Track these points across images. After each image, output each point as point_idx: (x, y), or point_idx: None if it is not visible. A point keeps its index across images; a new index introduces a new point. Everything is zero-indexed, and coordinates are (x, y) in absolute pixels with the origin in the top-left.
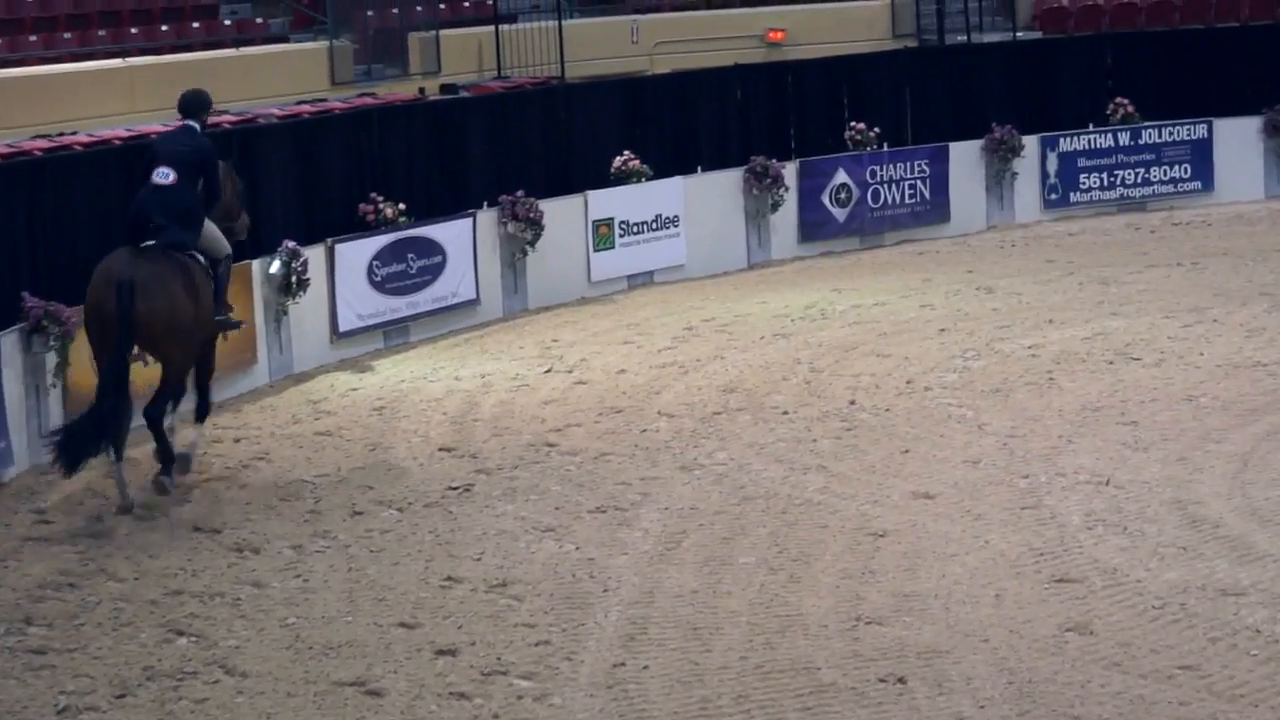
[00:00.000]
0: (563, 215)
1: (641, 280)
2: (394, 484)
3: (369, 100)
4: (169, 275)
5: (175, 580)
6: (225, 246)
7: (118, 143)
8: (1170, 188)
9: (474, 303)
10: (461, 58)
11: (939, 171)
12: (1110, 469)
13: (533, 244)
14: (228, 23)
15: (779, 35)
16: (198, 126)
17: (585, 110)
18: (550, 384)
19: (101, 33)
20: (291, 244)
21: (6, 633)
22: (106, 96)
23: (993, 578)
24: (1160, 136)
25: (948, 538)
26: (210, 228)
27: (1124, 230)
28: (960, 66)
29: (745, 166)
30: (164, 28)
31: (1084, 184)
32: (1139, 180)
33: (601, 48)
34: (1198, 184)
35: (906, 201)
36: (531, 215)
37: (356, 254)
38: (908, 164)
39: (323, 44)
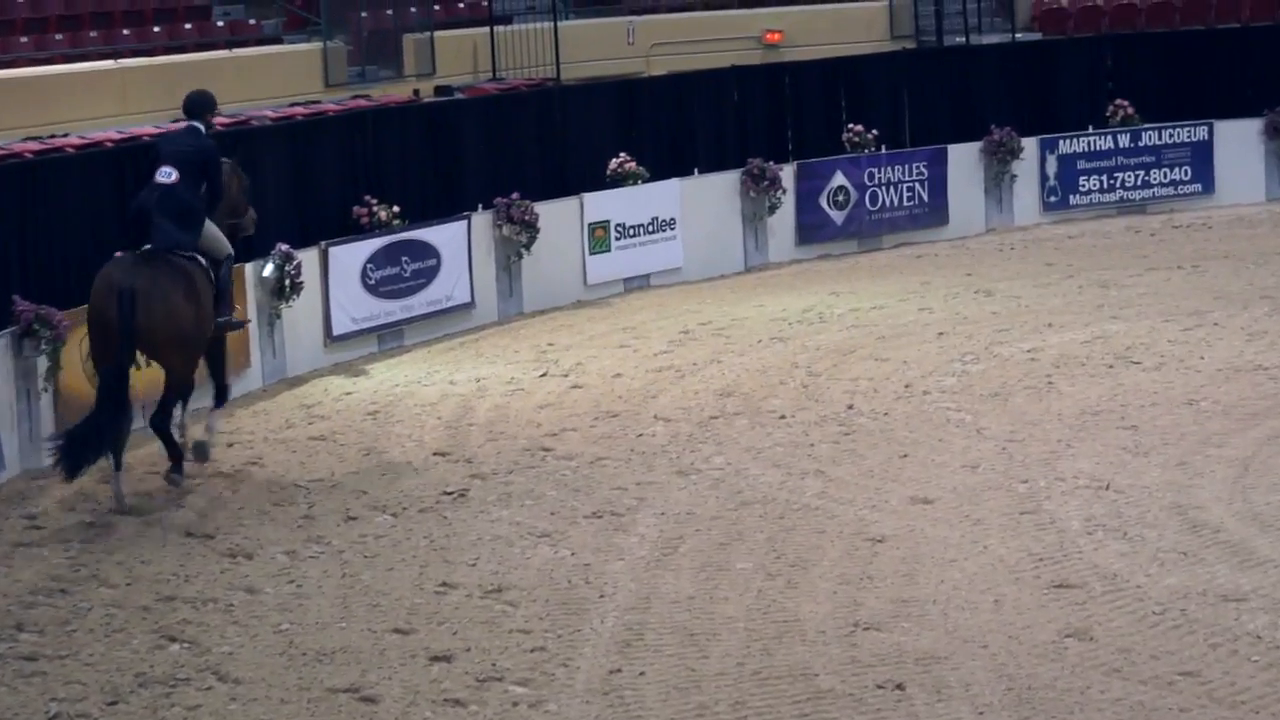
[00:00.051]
0: (558, 218)
1: (638, 283)
2: (388, 489)
3: (363, 102)
4: (169, 283)
5: (168, 586)
6: (226, 247)
7: (110, 145)
8: (1170, 190)
9: (469, 306)
10: (456, 59)
11: (937, 174)
12: (1110, 474)
13: (528, 247)
14: (221, 24)
15: (776, 36)
16: (202, 127)
17: (581, 112)
18: (546, 388)
19: (93, 34)
20: (285, 247)
21: None
22: (98, 98)
23: (992, 583)
24: (1160, 138)
25: (946, 543)
26: (211, 228)
27: (1124, 233)
28: (959, 68)
29: (742, 169)
30: (156, 29)
31: (1083, 186)
32: (1139, 183)
33: (597, 49)
34: (1198, 186)
35: (905, 204)
36: (527, 218)
37: (350, 257)
38: (906, 166)
39: (316, 45)
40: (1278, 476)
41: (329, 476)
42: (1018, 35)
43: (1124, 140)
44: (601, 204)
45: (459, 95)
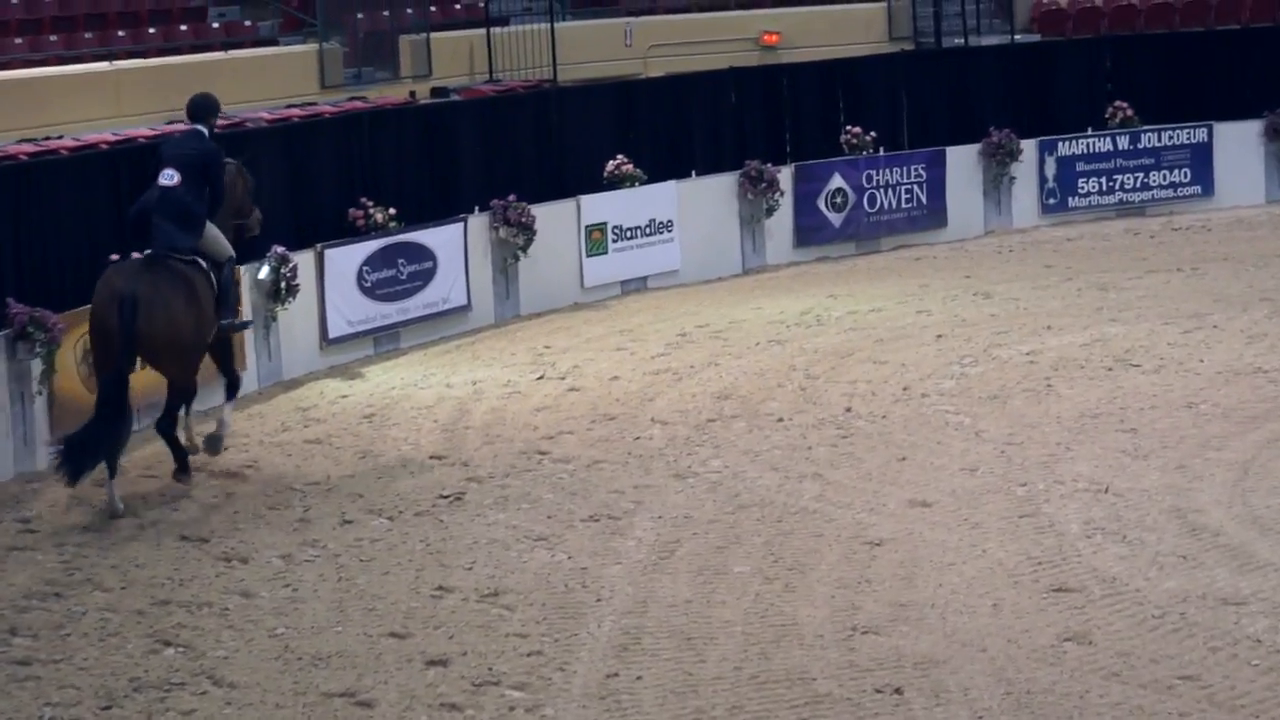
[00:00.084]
0: (555, 220)
1: (635, 286)
2: (384, 492)
3: (359, 104)
4: (170, 290)
5: (162, 590)
6: (227, 249)
7: (104, 147)
8: (1170, 192)
9: (465, 309)
10: (453, 61)
11: (936, 176)
12: (1109, 477)
13: (525, 249)
14: (216, 25)
15: (774, 38)
16: (205, 130)
17: (578, 114)
18: (542, 391)
19: (88, 35)
20: (281, 249)
21: None
22: (93, 100)
23: (990, 587)
24: (1160, 140)
25: (945, 546)
26: (212, 231)
27: (1123, 235)
28: (957, 69)
29: (740, 171)
30: (151, 30)
31: (1083, 188)
32: (1138, 185)
33: (594, 50)
34: (1197, 188)
35: (903, 206)
36: (523, 220)
37: (346, 259)
38: (904, 168)
39: (312, 47)
40: (1277, 480)
41: (325, 480)
42: (1016, 37)
43: (1123, 142)
44: (598, 206)
45: (455, 97)
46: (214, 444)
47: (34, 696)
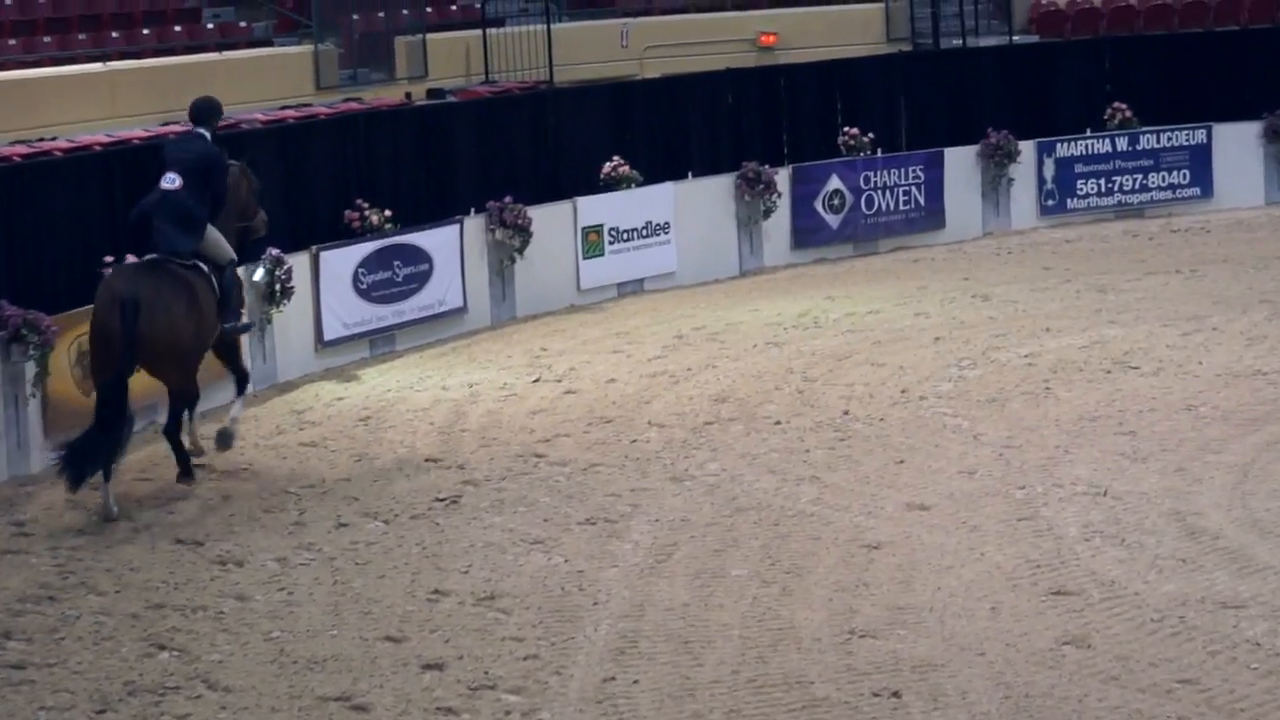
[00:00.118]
0: (551, 222)
1: (631, 288)
2: (380, 495)
3: (354, 105)
4: (172, 294)
5: (157, 593)
6: (229, 253)
7: (98, 148)
8: (1169, 194)
9: (461, 311)
10: (448, 62)
11: (934, 177)
12: (1108, 480)
13: (521, 251)
14: (210, 26)
15: (771, 39)
16: (208, 134)
17: (574, 115)
18: (539, 393)
19: (82, 36)
20: (276, 251)
21: None
22: (87, 101)
23: (989, 590)
24: (1159, 142)
25: (943, 550)
26: (213, 234)
27: (1122, 237)
28: (955, 70)
29: (737, 172)
30: (145, 31)
31: (1081, 190)
32: (1137, 186)
33: (590, 52)
34: (1197, 190)
35: (901, 208)
36: (520, 222)
37: (342, 261)
38: (902, 170)
39: (307, 48)
40: (1277, 482)
41: (320, 483)
42: (1015, 38)
43: (1122, 143)
44: (595, 208)
45: (451, 98)
46: (225, 439)
47: (28, 701)
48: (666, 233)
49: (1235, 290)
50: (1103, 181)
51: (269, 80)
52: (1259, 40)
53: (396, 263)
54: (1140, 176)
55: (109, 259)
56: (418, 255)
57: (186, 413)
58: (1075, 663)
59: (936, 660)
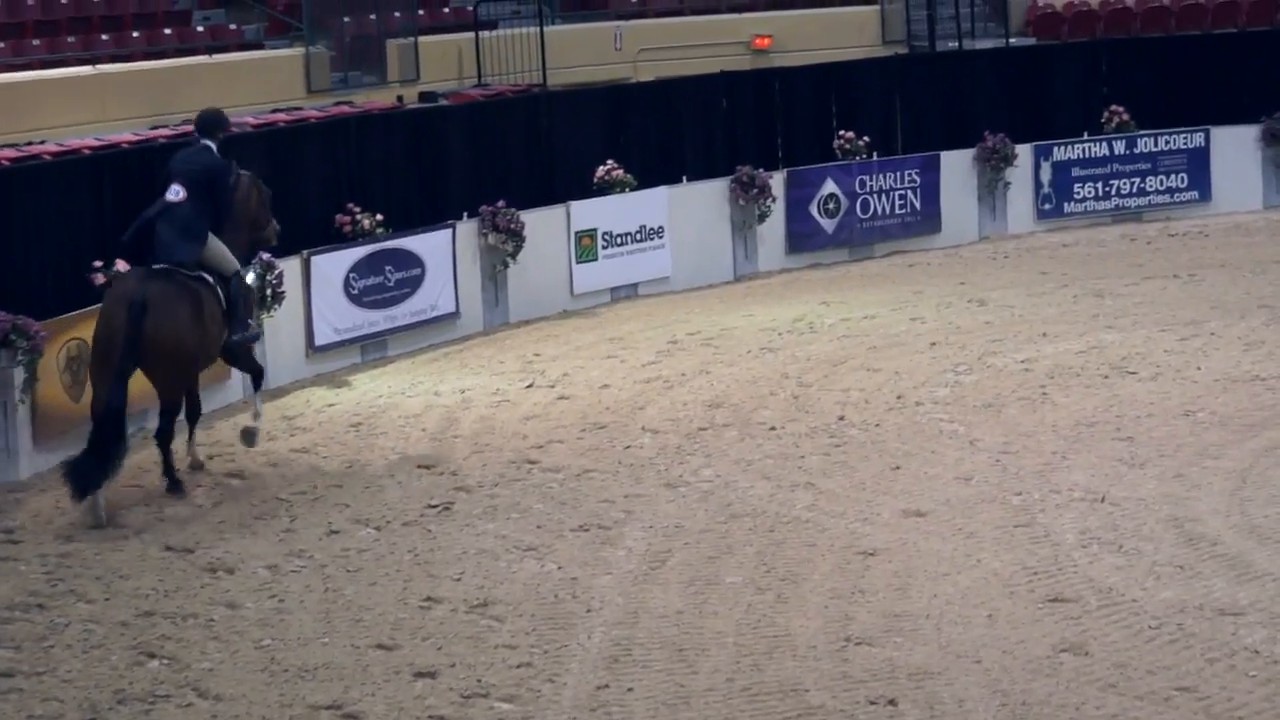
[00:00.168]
0: (544, 226)
1: (625, 293)
2: (371, 502)
3: (346, 109)
4: (179, 301)
5: (147, 601)
6: (233, 263)
7: (88, 152)
8: (1166, 198)
9: (453, 316)
10: (441, 65)
11: (930, 181)
12: (1105, 486)
13: (514, 256)
14: (201, 29)
15: (766, 42)
16: (213, 145)
17: (567, 119)
18: (532, 399)
19: (71, 39)
20: (266, 256)
21: None
22: (76, 105)
23: (985, 597)
24: (1156, 145)
25: (939, 556)
26: (216, 245)
27: (1119, 241)
28: (952, 74)
29: (731, 176)
30: (135, 34)
31: (1078, 194)
32: (1134, 190)
33: (584, 55)
34: (1194, 194)
35: (897, 212)
36: (512, 226)
37: (333, 266)
38: (898, 174)
39: (299, 51)
40: (1275, 488)
41: (311, 489)
42: (1011, 40)
43: (1119, 147)
44: (588, 212)
45: (444, 101)
46: (249, 437)
47: (16, 709)
48: (660, 237)
49: (1233, 295)
50: (1100, 185)
51: (260, 83)
52: (1257, 43)
53: (388, 267)
54: (1138, 180)
55: (98, 264)
56: (410, 260)
57: (189, 426)
58: (1073, 670)
59: (933, 668)
